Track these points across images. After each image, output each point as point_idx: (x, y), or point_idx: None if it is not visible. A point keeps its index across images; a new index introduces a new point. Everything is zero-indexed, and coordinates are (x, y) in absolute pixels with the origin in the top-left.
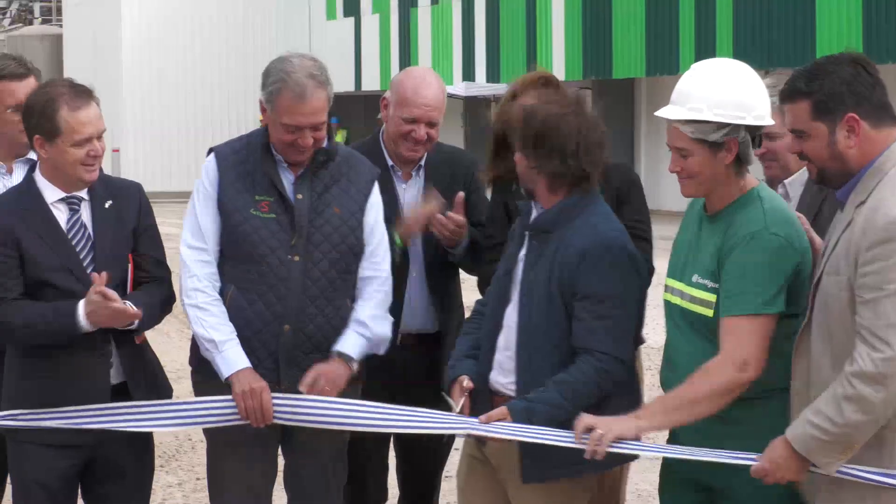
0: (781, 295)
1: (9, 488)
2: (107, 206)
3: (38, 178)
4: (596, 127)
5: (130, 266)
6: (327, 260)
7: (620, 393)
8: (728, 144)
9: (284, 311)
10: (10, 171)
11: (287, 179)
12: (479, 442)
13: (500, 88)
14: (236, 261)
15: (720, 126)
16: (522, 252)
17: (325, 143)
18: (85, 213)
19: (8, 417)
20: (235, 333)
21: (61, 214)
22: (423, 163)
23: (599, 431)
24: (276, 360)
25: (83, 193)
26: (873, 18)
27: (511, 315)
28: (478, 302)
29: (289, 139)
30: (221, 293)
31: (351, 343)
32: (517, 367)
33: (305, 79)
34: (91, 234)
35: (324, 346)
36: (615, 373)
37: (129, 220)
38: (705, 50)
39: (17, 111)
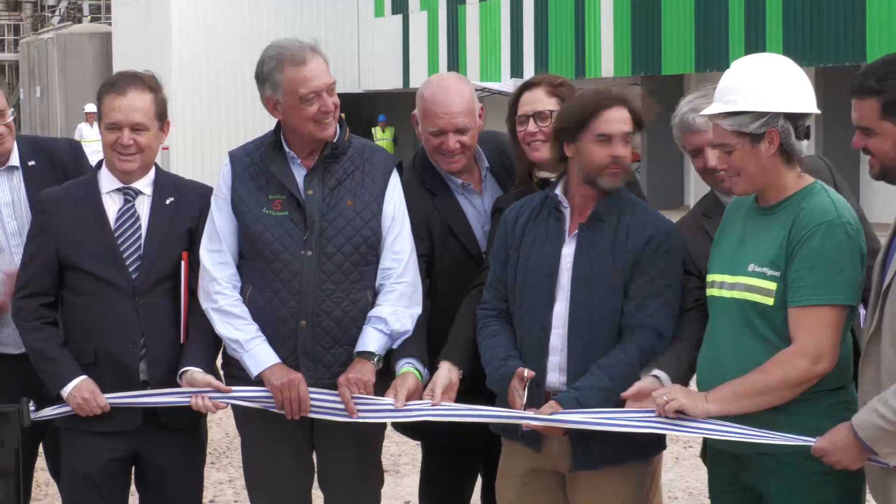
0: (856, 286)
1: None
2: (167, 202)
3: (102, 168)
4: None
5: (185, 265)
6: (341, 253)
7: None
8: (768, 135)
9: (300, 307)
10: None
11: (299, 176)
12: (534, 448)
13: None
14: (253, 260)
15: (757, 116)
16: (568, 249)
17: (336, 137)
18: (142, 207)
19: (59, 406)
20: (260, 331)
21: (113, 204)
22: (486, 165)
23: (665, 397)
24: (297, 356)
25: (143, 187)
26: None
27: (560, 315)
28: (484, 308)
29: (312, 112)
30: (241, 293)
31: (371, 341)
32: (570, 353)
33: (297, 45)
34: (144, 226)
35: (343, 341)
36: (655, 347)
37: (187, 220)
38: (755, 45)
39: None
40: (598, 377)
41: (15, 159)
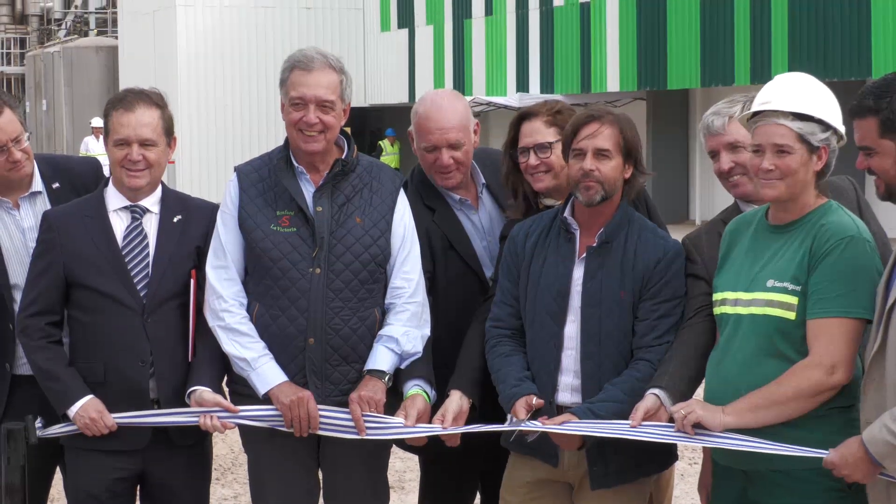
0: (874, 301)
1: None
2: (175, 220)
3: (109, 186)
4: None
5: (193, 283)
6: (350, 271)
7: None
8: (821, 152)
9: (308, 324)
10: (16, 206)
11: (308, 192)
12: (551, 463)
13: (555, 99)
14: (260, 277)
15: (825, 128)
16: (578, 271)
17: (344, 154)
18: (150, 225)
19: (66, 425)
20: (267, 349)
21: (121, 222)
22: (483, 181)
23: (683, 412)
24: (305, 374)
25: (150, 205)
26: None
27: (572, 335)
28: (497, 326)
29: (295, 118)
30: (248, 310)
31: (382, 359)
32: (583, 375)
33: (314, 54)
34: (152, 244)
35: (352, 358)
36: None
37: (195, 237)
38: (761, 61)
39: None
40: (612, 392)
41: (38, 184)
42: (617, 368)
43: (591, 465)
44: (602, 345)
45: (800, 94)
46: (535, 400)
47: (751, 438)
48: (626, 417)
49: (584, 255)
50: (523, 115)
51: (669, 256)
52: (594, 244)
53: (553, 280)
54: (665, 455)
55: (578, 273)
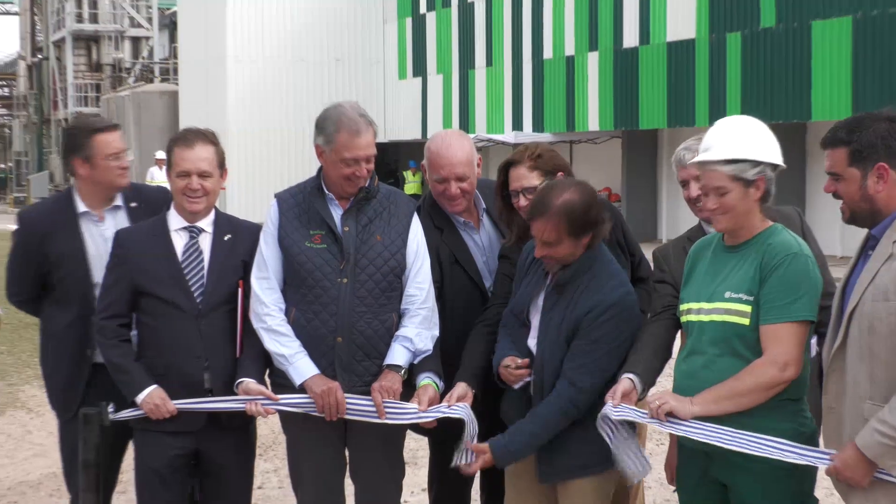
0: (816, 305)
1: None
2: (225, 238)
3: (171, 209)
4: (598, 197)
5: (240, 291)
6: (372, 281)
7: None
8: (758, 182)
9: (337, 325)
10: (101, 219)
11: (336, 215)
12: None
13: (545, 137)
14: (296, 286)
15: (755, 165)
16: (542, 296)
17: (367, 183)
18: (205, 242)
19: (134, 410)
20: (302, 347)
21: (180, 240)
22: (483, 206)
23: (658, 402)
24: (334, 367)
25: (205, 226)
26: (860, 82)
27: (532, 346)
28: (504, 315)
29: (347, 172)
30: (286, 314)
31: (399, 355)
32: (533, 385)
33: (358, 117)
34: (206, 258)
35: (373, 354)
36: (578, 401)
37: (242, 253)
38: (717, 106)
39: (113, 159)
40: (529, 425)
41: (119, 201)
42: (551, 388)
43: (538, 463)
44: (544, 367)
45: (731, 140)
46: (519, 360)
47: (759, 438)
48: (537, 447)
49: (544, 291)
50: (509, 163)
51: (601, 307)
52: (551, 285)
53: (525, 299)
54: (608, 456)
55: (541, 296)
